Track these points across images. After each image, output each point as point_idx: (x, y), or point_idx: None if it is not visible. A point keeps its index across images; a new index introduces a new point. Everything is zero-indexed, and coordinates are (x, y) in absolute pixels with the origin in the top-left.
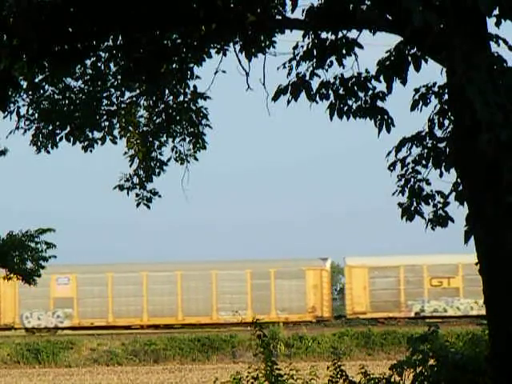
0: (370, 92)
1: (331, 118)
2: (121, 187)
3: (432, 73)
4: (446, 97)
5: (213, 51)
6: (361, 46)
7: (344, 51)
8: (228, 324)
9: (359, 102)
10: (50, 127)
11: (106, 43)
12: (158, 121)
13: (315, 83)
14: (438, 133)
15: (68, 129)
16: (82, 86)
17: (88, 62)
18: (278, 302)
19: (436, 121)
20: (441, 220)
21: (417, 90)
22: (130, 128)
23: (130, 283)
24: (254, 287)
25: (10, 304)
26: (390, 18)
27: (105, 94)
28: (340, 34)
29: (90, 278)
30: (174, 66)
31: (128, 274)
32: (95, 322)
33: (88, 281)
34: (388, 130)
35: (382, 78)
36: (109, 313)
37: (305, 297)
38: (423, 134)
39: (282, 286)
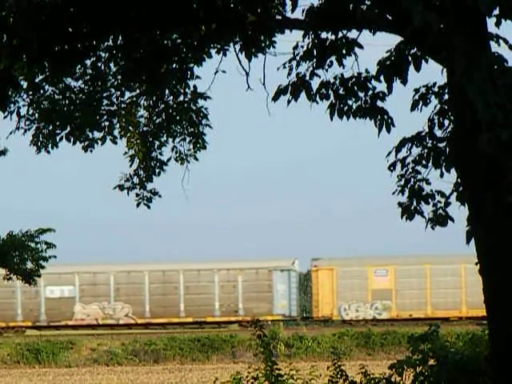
0: (370, 92)
1: (331, 118)
2: (121, 187)
3: (432, 73)
4: (446, 97)
5: (213, 51)
6: (361, 46)
7: (344, 51)
8: None
9: (359, 102)
10: (50, 127)
11: (106, 43)
12: (158, 121)
13: (315, 83)
14: (438, 133)
15: (68, 129)
16: (82, 85)
17: (88, 62)
18: None
19: (436, 121)
20: (440, 219)
21: (417, 90)
22: (130, 128)
23: (448, 275)
24: None
25: (328, 296)
26: (390, 17)
27: (105, 94)
28: (340, 34)
29: (408, 269)
30: (174, 65)
31: (446, 265)
32: (413, 313)
33: (406, 272)
34: (388, 130)
35: (382, 77)
36: (427, 305)
37: None
38: (423, 134)
39: None
